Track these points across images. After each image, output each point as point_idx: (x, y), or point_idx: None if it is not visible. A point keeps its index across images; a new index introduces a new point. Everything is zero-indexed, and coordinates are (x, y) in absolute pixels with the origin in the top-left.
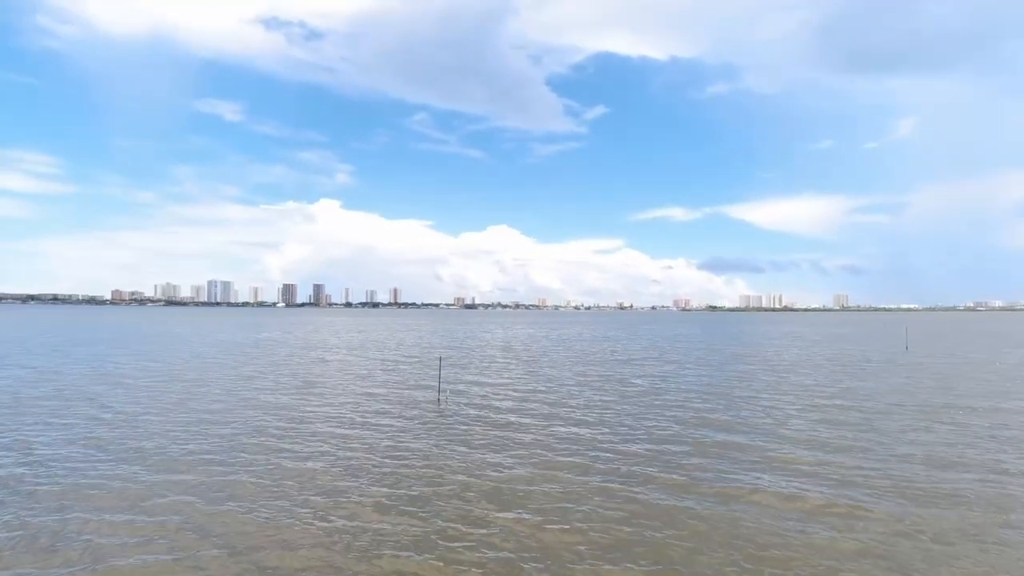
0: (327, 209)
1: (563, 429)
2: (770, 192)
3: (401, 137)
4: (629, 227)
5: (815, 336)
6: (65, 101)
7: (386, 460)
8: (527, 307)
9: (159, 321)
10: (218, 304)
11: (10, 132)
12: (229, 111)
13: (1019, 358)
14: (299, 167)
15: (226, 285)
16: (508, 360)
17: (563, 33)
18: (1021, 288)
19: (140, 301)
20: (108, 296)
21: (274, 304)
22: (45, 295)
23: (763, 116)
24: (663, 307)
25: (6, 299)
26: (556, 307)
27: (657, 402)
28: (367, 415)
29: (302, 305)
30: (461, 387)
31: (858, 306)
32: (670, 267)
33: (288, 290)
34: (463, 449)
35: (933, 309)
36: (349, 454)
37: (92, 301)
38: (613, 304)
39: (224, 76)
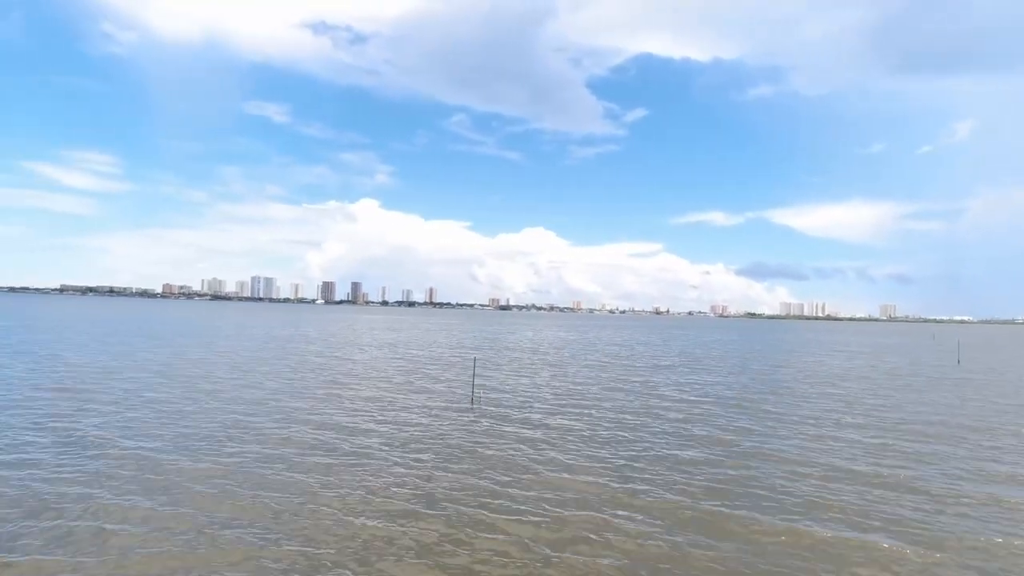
0: (367, 209)
1: (593, 434)
2: (816, 197)
3: (440, 138)
4: (668, 231)
5: (859, 346)
6: (125, 104)
7: (419, 459)
8: (561, 309)
9: (220, 315)
10: (260, 300)
11: (76, 133)
12: (276, 113)
13: None
14: (341, 168)
15: (268, 281)
16: (541, 362)
17: (604, 35)
18: None
19: (188, 295)
20: (159, 290)
21: (313, 301)
22: (102, 288)
23: (809, 119)
24: (700, 313)
25: (68, 290)
26: (591, 310)
27: (695, 411)
28: (402, 414)
29: (340, 303)
30: (495, 388)
31: (906, 316)
32: (708, 272)
33: (327, 288)
34: (495, 450)
35: (988, 322)
36: (383, 452)
37: (144, 294)
38: (649, 309)
39: (272, 79)
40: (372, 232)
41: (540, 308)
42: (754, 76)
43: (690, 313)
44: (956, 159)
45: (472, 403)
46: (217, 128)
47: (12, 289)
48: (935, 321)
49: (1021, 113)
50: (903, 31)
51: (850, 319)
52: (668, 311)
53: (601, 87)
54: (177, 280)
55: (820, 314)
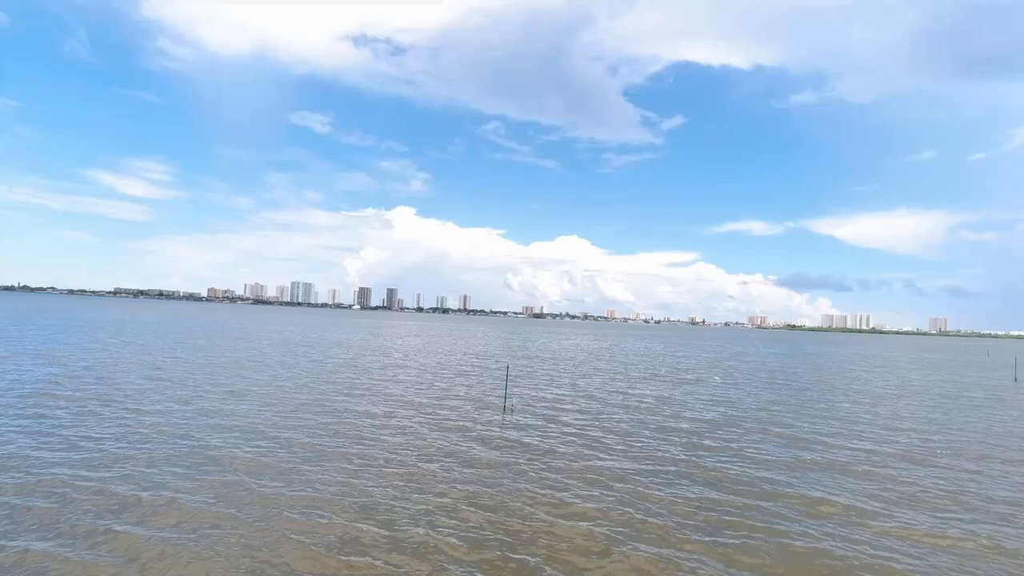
0: (403, 216)
1: (626, 448)
2: (860, 206)
3: (476, 146)
4: (705, 240)
5: (908, 361)
6: (179, 115)
7: (451, 466)
8: (595, 318)
9: (266, 320)
10: (299, 304)
11: (134, 143)
12: (319, 123)
13: None
14: (380, 175)
15: (307, 287)
16: (575, 372)
17: (641, 43)
18: None
19: (231, 299)
20: (204, 294)
21: (350, 307)
22: (152, 291)
23: (854, 126)
24: (737, 324)
25: (121, 293)
26: (625, 319)
27: (735, 429)
28: (436, 420)
29: (375, 308)
30: (528, 397)
31: (958, 331)
32: (746, 283)
33: (363, 293)
34: (528, 459)
35: None
36: (416, 458)
37: (191, 297)
38: (685, 319)
39: (316, 90)
40: (408, 239)
41: (574, 316)
42: (797, 83)
43: (727, 324)
44: (1012, 166)
45: (504, 411)
46: (264, 137)
47: (71, 291)
48: (990, 336)
49: None
50: (954, 36)
51: (897, 332)
52: (704, 321)
53: (638, 95)
54: (221, 284)
55: (865, 327)
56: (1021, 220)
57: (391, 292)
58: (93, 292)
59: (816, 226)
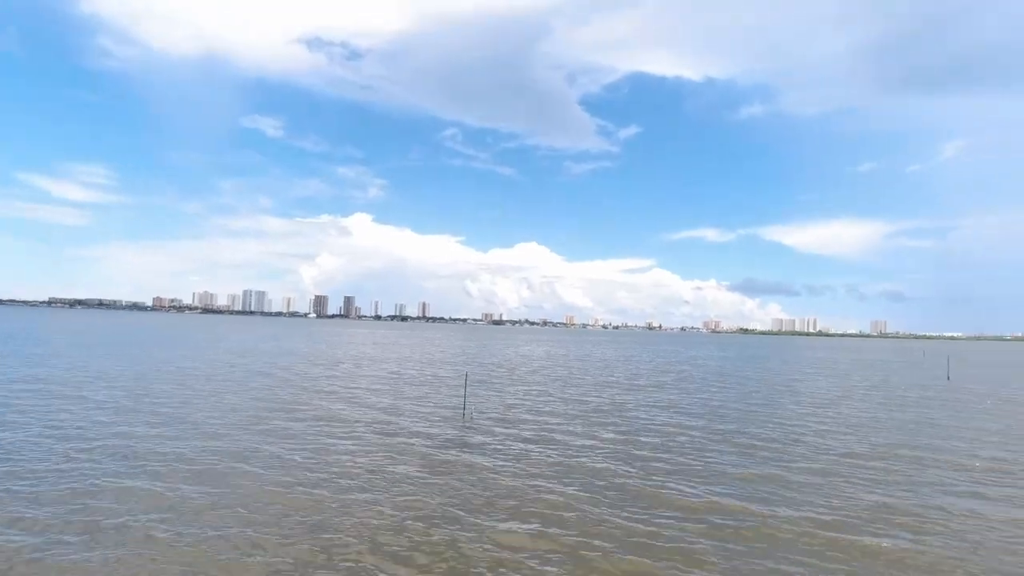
0: (360, 222)
1: (586, 452)
2: (807, 215)
3: (435, 153)
4: (661, 247)
5: (848, 363)
6: (122, 117)
7: (409, 475)
8: (554, 324)
9: (216, 328)
10: (252, 313)
11: (72, 145)
12: (271, 127)
13: None
14: (336, 182)
15: (260, 295)
16: (533, 378)
17: (598, 53)
18: None
19: (179, 308)
20: (150, 303)
21: (305, 315)
22: (91, 300)
23: (801, 138)
24: (693, 328)
25: (56, 303)
26: (584, 325)
27: (683, 429)
28: (393, 428)
29: (332, 316)
30: (487, 404)
31: (897, 333)
32: (700, 288)
33: (319, 301)
34: (487, 466)
35: (979, 338)
36: (372, 467)
37: (135, 307)
38: (642, 324)
39: (268, 93)
40: (365, 246)
41: (533, 323)
42: (746, 95)
43: (683, 328)
44: (945, 178)
45: (464, 419)
46: (213, 141)
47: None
48: (926, 337)
49: (1009, 133)
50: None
51: (841, 335)
52: (661, 326)
53: (595, 104)
54: (169, 293)
55: (812, 330)
56: (953, 228)
57: (348, 300)
58: (24, 301)
59: (766, 233)
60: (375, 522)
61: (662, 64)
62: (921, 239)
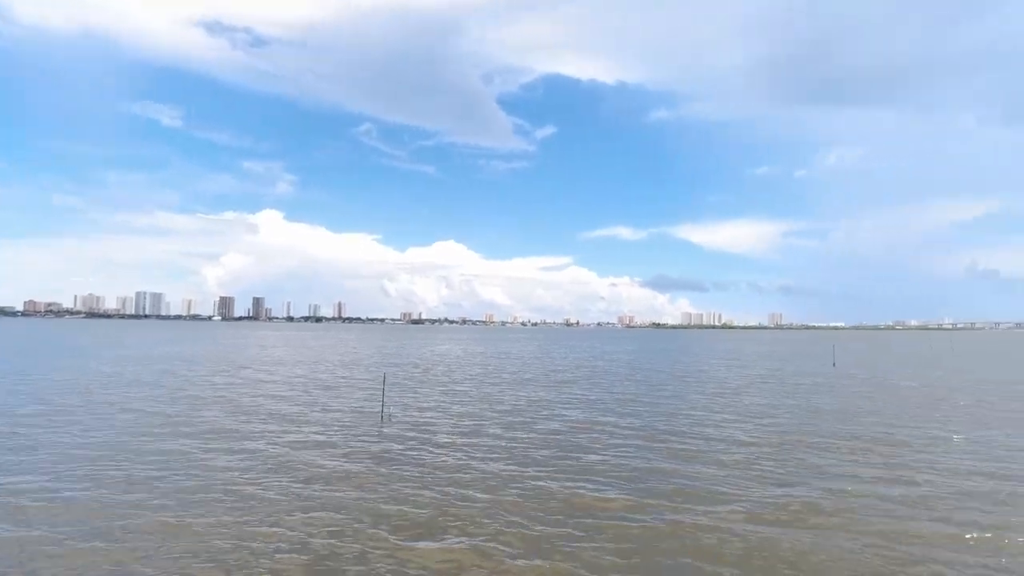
0: (270, 220)
1: (500, 453)
2: (712, 214)
3: (349, 149)
4: (577, 245)
5: (750, 355)
6: None
7: (324, 479)
8: (474, 323)
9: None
10: (146, 317)
11: None
12: (167, 116)
13: (938, 379)
14: (243, 176)
15: (156, 297)
16: (451, 377)
17: (515, 53)
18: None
19: (57, 313)
20: (20, 307)
21: (209, 317)
22: None
23: (707, 142)
24: (608, 324)
25: None
26: (503, 323)
27: (596, 425)
28: (307, 433)
29: (240, 319)
30: (405, 404)
31: (791, 324)
32: (615, 285)
33: (225, 303)
34: (403, 474)
35: (858, 328)
36: (273, 483)
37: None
38: (560, 320)
39: (163, 79)
40: (276, 244)
41: (453, 322)
42: (656, 100)
43: (599, 324)
44: (827, 182)
45: (382, 420)
46: (97, 130)
47: None
48: (815, 328)
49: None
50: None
51: (744, 327)
52: (579, 323)
53: (512, 104)
54: (44, 296)
55: (717, 323)
56: (833, 229)
57: (257, 301)
58: None
59: (676, 232)
60: (273, 545)
61: (577, 67)
62: (808, 239)
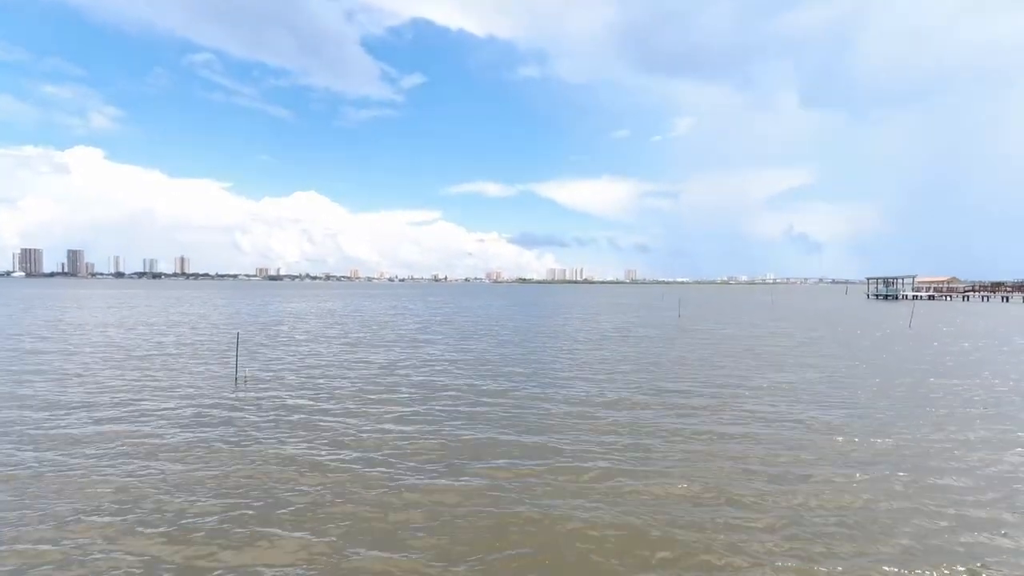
0: (85, 159)
1: (368, 414)
2: (575, 173)
3: (185, 81)
4: (445, 200)
5: (608, 307)
6: None
7: (176, 452)
8: (338, 278)
9: None
10: None
11: None
12: None
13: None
14: (41, 102)
15: None
16: (311, 336)
17: None
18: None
19: None
20: None
21: (8, 273)
22: None
23: (571, 102)
24: (476, 279)
25: None
26: (369, 279)
27: (452, 389)
28: (151, 403)
29: (51, 275)
30: (262, 367)
31: (644, 279)
32: (483, 240)
33: (29, 256)
34: (265, 436)
35: (700, 282)
36: (127, 448)
37: None
38: (428, 276)
39: None
40: (96, 189)
41: (315, 277)
42: (524, 57)
43: (467, 280)
44: (678, 148)
45: (236, 384)
46: None
47: None
48: (664, 283)
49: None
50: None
51: (602, 282)
52: (447, 278)
53: (377, 47)
54: None
55: (579, 278)
56: (683, 192)
57: (75, 254)
58: None
59: (541, 189)
60: (117, 520)
61: (446, 14)
62: (661, 199)
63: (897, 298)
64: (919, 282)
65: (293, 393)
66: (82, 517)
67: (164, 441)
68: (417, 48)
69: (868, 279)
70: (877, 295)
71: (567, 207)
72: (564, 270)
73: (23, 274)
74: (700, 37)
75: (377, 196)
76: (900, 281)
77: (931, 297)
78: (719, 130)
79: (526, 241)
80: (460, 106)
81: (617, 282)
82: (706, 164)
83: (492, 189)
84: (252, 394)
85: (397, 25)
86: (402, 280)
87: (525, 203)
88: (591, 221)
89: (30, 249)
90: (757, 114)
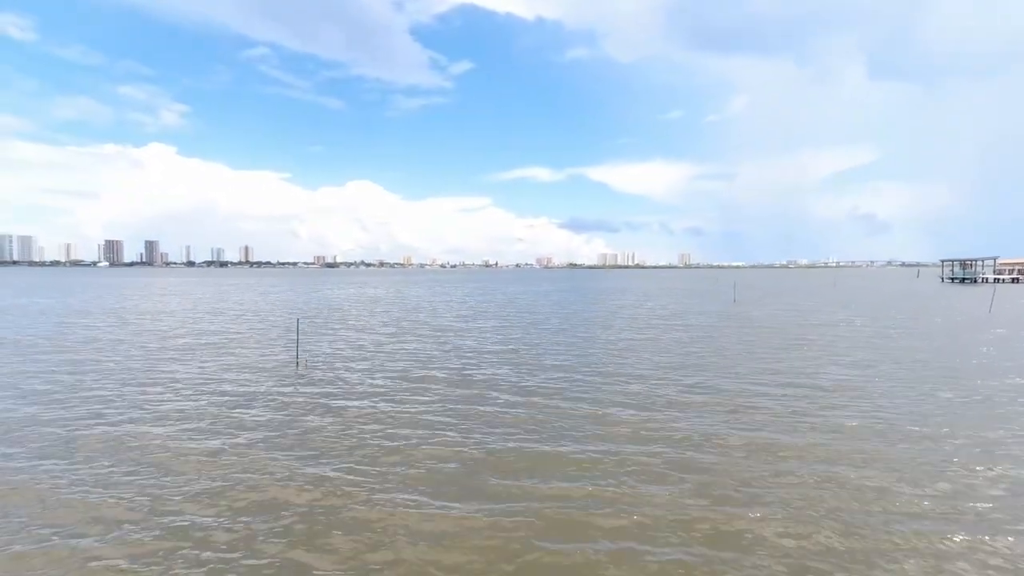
0: (159, 155)
1: (425, 398)
2: (626, 156)
3: (243, 76)
4: (495, 186)
5: (662, 291)
6: None
7: (241, 431)
8: (392, 265)
9: None
10: (15, 263)
11: None
12: (15, 26)
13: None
14: (116, 103)
15: (25, 240)
16: (369, 323)
17: None
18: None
19: None
20: None
21: (94, 263)
22: None
23: (621, 83)
24: (527, 264)
25: None
26: (421, 265)
27: (517, 365)
28: (218, 384)
29: (131, 264)
30: (322, 351)
31: (698, 264)
32: (533, 226)
33: (112, 247)
34: (326, 418)
35: (755, 266)
36: (197, 425)
37: None
38: (479, 262)
39: None
40: (168, 182)
41: (369, 264)
42: (572, 38)
43: (518, 265)
44: (733, 128)
45: (298, 367)
46: None
47: None
48: (719, 267)
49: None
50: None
51: (655, 267)
52: (497, 264)
53: (426, 35)
54: None
55: (631, 263)
56: (738, 174)
57: (151, 245)
58: None
59: (592, 173)
60: (188, 491)
61: None
62: (715, 181)
63: (976, 281)
64: (1001, 264)
65: (348, 374)
66: (182, 487)
67: (243, 416)
68: (465, 34)
69: (943, 261)
70: (953, 278)
71: (618, 191)
72: (616, 255)
73: (107, 264)
74: (756, 10)
75: (428, 184)
76: (980, 263)
77: (1015, 280)
78: (777, 108)
79: (576, 226)
80: (509, 91)
81: (670, 266)
82: (763, 144)
83: (541, 174)
84: (311, 376)
85: (445, 11)
86: (453, 266)
87: (575, 188)
88: (643, 205)
89: (113, 240)
90: (818, 89)
